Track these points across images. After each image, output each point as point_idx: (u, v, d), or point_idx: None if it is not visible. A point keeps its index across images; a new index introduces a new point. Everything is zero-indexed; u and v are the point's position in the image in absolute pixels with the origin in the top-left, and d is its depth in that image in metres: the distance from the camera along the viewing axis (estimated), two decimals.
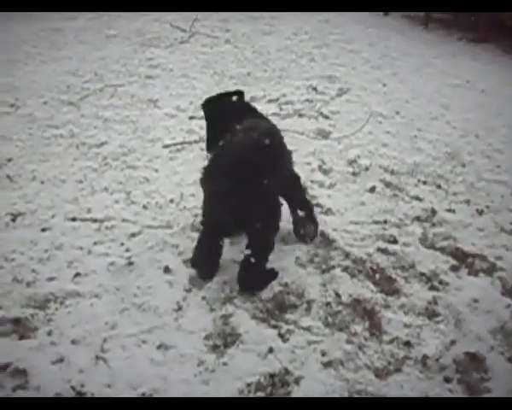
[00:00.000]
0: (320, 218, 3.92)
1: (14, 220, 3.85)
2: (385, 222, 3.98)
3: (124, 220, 3.86)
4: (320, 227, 3.79)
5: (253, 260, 3.28)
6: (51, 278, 3.36)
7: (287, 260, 3.54)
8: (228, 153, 3.25)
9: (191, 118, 5.35)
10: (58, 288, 3.28)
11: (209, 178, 3.30)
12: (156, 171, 4.42)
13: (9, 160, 4.54)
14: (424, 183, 4.52)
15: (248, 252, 3.28)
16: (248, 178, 3.13)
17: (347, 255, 3.62)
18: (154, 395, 2.68)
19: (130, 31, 7.34)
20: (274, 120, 5.14)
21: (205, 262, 3.44)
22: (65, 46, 6.87)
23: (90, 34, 7.21)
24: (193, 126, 5.17)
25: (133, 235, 3.73)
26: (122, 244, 3.64)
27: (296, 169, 3.70)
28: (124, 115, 5.29)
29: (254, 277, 3.34)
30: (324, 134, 5.11)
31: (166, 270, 3.42)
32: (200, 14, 8.30)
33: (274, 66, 6.60)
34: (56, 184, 4.26)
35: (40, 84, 5.86)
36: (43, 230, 3.77)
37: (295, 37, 7.61)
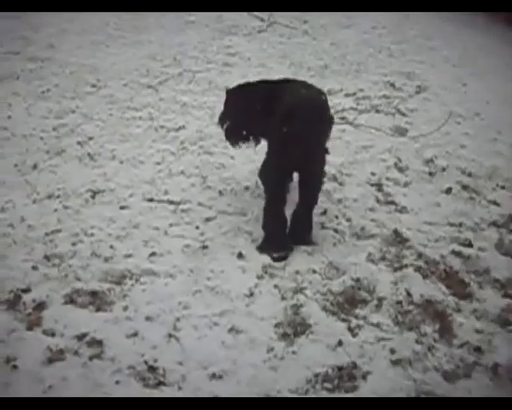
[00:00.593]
0: (394, 216, 3.90)
1: (93, 197, 3.98)
2: (460, 225, 3.91)
3: (199, 204, 3.94)
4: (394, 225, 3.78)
5: (305, 212, 3.57)
6: (128, 255, 3.47)
7: (359, 255, 3.54)
8: (300, 100, 3.46)
9: None
10: (134, 265, 3.39)
11: (282, 124, 3.38)
12: (232, 158, 4.47)
13: (90, 138, 4.68)
14: (502, 187, 4.40)
15: (302, 203, 3.56)
16: (320, 119, 3.41)
17: (420, 255, 3.59)
18: (224, 377, 2.74)
19: (209, 17, 7.39)
20: (350, 115, 5.23)
21: (278, 238, 3.54)
22: (145, 30, 6.98)
23: (170, 19, 7.29)
24: None
25: (208, 219, 3.80)
26: (197, 228, 3.72)
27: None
28: (201, 101, 5.36)
29: (307, 229, 3.61)
30: (401, 131, 5.04)
31: (240, 256, 3.48)
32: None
33: (351, 59, 6.53)
34: (135, 164, 4.38)
35: (121, 66, 6.00)
36: (122, 208, 3.89)
37: (374, 31, 7.49)
